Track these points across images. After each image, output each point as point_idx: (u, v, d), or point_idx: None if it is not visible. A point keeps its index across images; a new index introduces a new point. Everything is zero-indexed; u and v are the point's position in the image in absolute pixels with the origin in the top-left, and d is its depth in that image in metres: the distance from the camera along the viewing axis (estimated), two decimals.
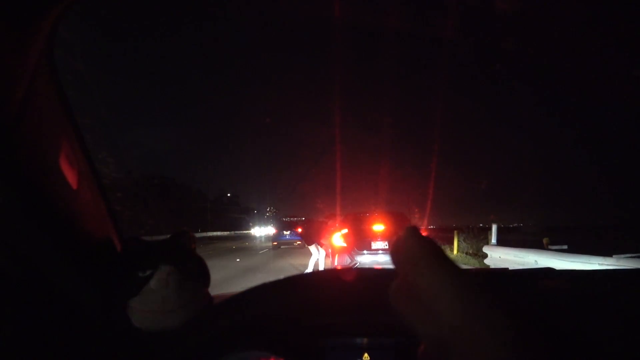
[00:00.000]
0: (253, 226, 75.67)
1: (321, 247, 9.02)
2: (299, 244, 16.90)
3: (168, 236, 0.89)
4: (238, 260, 14.73)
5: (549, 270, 1.34)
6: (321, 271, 0.93)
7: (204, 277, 0.87)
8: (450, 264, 0.30)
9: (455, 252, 14.29)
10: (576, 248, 7.26)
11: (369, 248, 7.33)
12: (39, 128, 0.61)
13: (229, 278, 9.09)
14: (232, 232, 56.22)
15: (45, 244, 0.68)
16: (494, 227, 8.64)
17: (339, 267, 7.17)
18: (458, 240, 14.56)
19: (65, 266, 0.71)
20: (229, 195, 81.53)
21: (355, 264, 7.22)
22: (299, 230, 14.66)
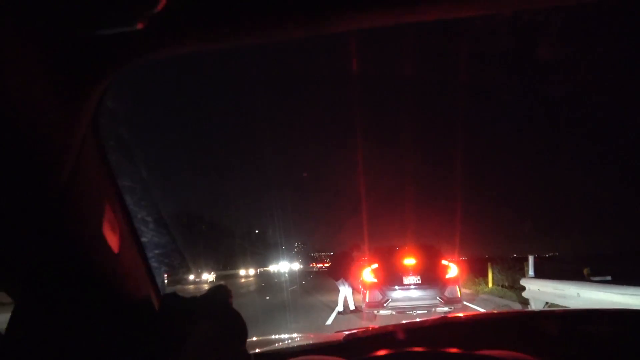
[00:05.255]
0: (273, 262, 73.47)
1: (347, 282, 8.83)
2: None
3: (205, 291, 0.87)
4: (268, 298, 14.67)
5: (592, 312, 1.28)
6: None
7: (242, 333, 0.85)
8: None
9: (490, 284, 13.73)
10: (620, 278, 6.87)
11: (400, 283, 7.14)
12: (85, 196, 0.62)
13: (258, 315, 9.05)
14: (257, 270, 55.72)
15: (86, 308, 0.69)
16: (531, 259, 8.31)
17: (370, 304, 7.02)
18: (492, 272, 14.02)
19: (107, 327, 0.71)
20: (257, 231, 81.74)
21: (387, 300, 7.05)
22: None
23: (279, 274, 46.69)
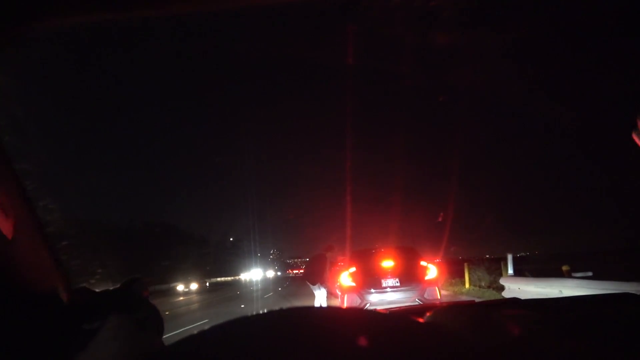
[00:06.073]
0: (245, 270, 70.67)
1: (323, 286, 8.48)
2: None
3: (119, 284, 0.85)
4: (243, 306, 14.25)
5: (514, 300, 1.36)
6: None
7: (158, 326, 0.85)
8: None
9: (467, 285, 13.71)
10: (599, 275, 6.86)
11: (379, 286, 6.91)
12: None
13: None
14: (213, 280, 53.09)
15: None
16: (510, 257, 8.23)
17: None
18: (469, 273, 14.00)
19: (3, 319, 0.66)
20: (231, 239, 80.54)
21: (366, 304, 6.79)
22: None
23: (250, 283, 44.80)
